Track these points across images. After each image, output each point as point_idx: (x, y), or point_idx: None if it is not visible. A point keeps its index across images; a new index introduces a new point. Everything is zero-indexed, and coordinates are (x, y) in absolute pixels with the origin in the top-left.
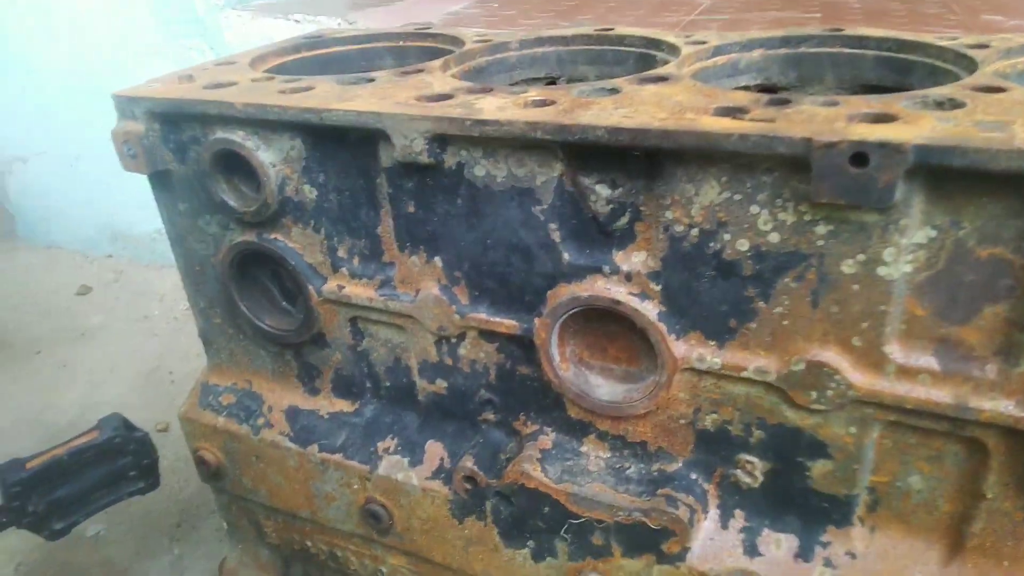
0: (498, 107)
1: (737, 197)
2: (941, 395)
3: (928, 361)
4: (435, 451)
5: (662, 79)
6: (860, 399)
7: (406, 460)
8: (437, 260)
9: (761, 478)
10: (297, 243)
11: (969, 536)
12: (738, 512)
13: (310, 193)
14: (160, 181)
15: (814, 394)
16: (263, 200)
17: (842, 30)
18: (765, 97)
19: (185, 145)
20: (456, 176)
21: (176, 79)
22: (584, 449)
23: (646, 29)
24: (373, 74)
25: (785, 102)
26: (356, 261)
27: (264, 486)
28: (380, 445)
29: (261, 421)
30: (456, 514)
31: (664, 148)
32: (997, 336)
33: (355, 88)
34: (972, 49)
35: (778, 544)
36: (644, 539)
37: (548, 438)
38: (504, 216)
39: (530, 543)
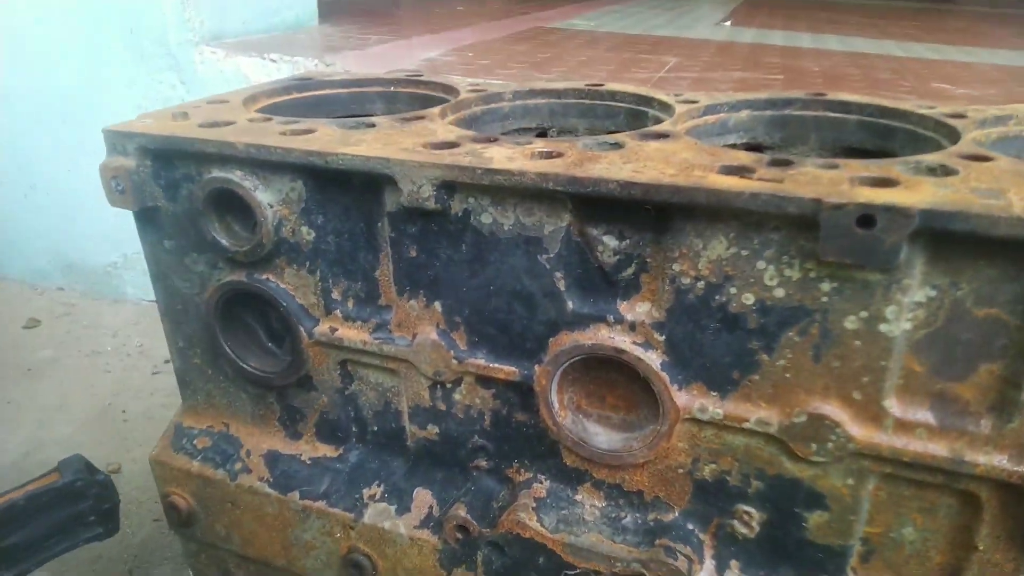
0: (507, 157)
1: (744, 253)
2: (937, 449)
3: (925, 416)
4: (423, 499)
5: (663, 136)
6: (859, 451)
7: (393, 508)
8: (437, 305)
9: (758, 528)
10: (289, 284)
11: None
12: (733, 563)
13: (307, 235)
14: (146, 218)
15: (814, 446)
16: (258, 240)
17: (824, 95)
18: (766, 157)
19: (177, 183)
20: (462, 223)
21: (170, 116)
22: (579, 498)
23: (636, 86)
24: (373, 119)
25: (787, 163)
26: (351, 304)
27: (238, 533)
28: (365, 492)
29: (239, 466)
30: (445, 564)
31: (675, 203)
32: (991, 393)
33: (358, 133)
34: (950, 118)
35: None
36: None
37: (542, 486)
38: (509, 263)
39: None
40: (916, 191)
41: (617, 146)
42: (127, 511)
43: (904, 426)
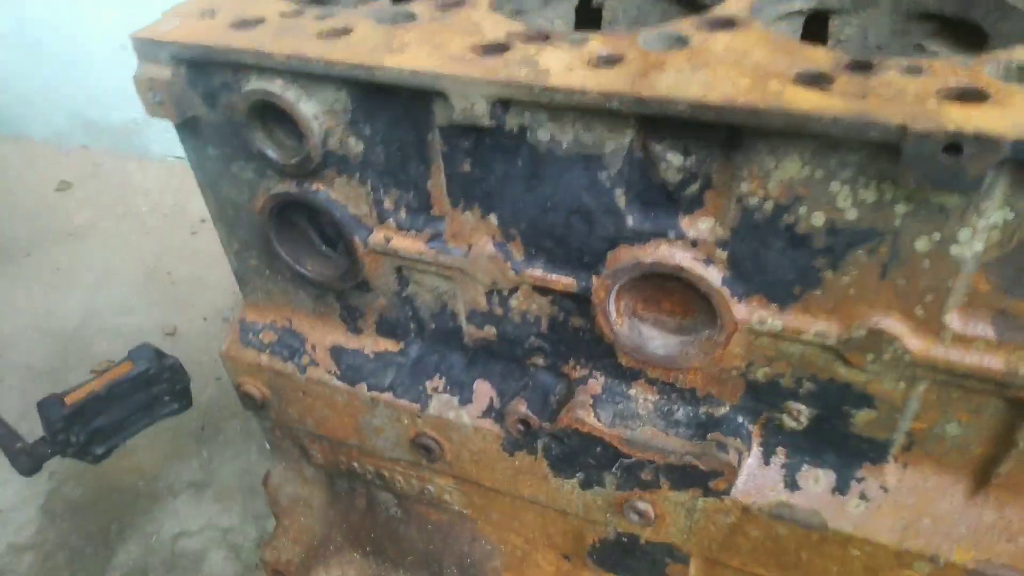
0: (565, 67)
1: (819, 174)
2: (993, 362)
3: (985, 330)
4: (484, 390)
5: (730, 23)
6: (914, 362)
7: (456, 399)
8: (492, 217)
9: (806, 423)
10: (340, 194)
11: (995, 475)
12: (780, 450)
13: (356, 146)
14: (189, 128)
15: (871, 356)
16: (306, 154)
17: None
18: (845, 58)
19: (215, 91)
20: (518, 139)
21: (197, 14)
22: (633, 392)
23: None
24: (411, 7)
25: (867, 66)
26: (403, 213)
27: (311, 418)
28: (428, 384)
29: (306, 360)
30: (507, 448)
31: (749, 125)
32: None
33: (398, 31)
34: None
35: (817, 479)
36: (692, 477)
37: (598, 382)
38: (567, 181)
39: (579, 474)
40: (1007, 109)
41: (682, 42)
42: (190, 373)
43: (962, 340)
